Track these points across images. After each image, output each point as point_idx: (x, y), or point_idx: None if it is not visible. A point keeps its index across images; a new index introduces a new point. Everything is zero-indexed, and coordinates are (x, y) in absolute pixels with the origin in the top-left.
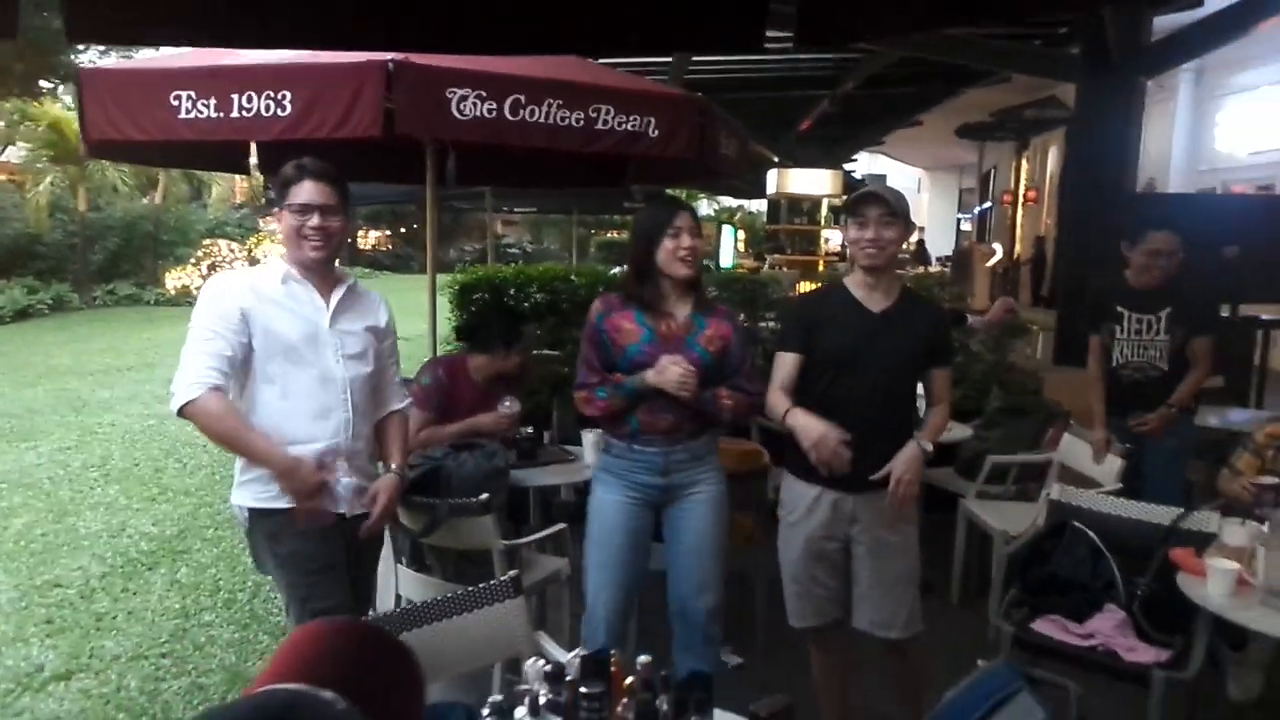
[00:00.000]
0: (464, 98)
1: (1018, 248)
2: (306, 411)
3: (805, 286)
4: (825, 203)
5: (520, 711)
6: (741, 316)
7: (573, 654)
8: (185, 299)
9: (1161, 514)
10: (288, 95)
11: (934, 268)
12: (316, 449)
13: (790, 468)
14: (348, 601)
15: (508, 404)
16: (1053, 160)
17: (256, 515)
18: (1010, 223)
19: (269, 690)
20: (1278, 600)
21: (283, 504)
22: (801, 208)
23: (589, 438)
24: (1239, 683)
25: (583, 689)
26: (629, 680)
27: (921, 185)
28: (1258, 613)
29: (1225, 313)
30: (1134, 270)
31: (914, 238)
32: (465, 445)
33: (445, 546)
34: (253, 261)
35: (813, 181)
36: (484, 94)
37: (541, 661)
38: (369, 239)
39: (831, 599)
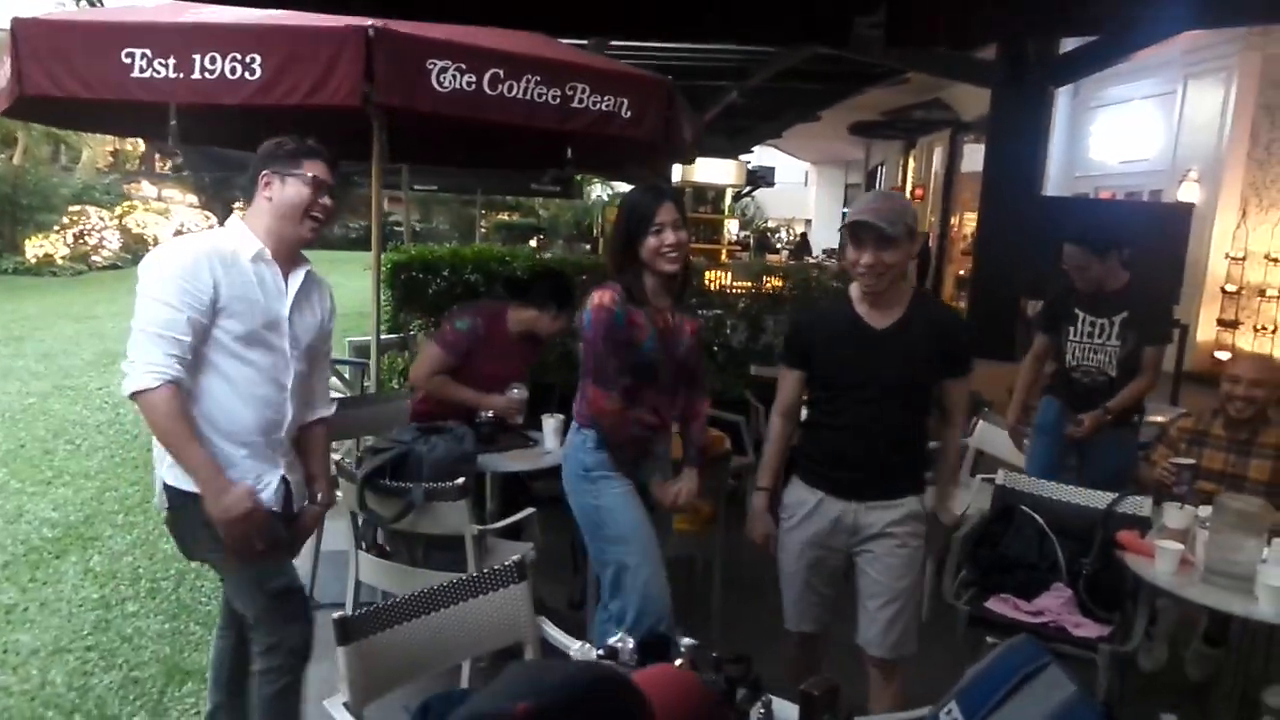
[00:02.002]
0: (444, 69)
1: None
2: (254, 405)
3: (710, 275)
4: (729, 192)
5: None
6: None
7: (616, 637)
8: (48, 268)
9: (1099, 498)
10: (257, 58)
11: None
12: (259, 443)
13: (796, 471)
14: (298, 579)
15: (516, 390)
16: (937, 160)
17: (194, 498)
18: None
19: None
20: (1216, 577)
21: None
22: (706, 196)
23: (550, 423)
24: (1149, 654)
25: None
26: (679, 662)
27: (809, 179)
28: (1200, 589)
29: None
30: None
31: (799, 230)
32: (433, 429)
33: (414, 532)
34: (125, 231)
35: (717, 171)
36: (464, 66)
37: (585, 645)
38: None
39: (826, 606)
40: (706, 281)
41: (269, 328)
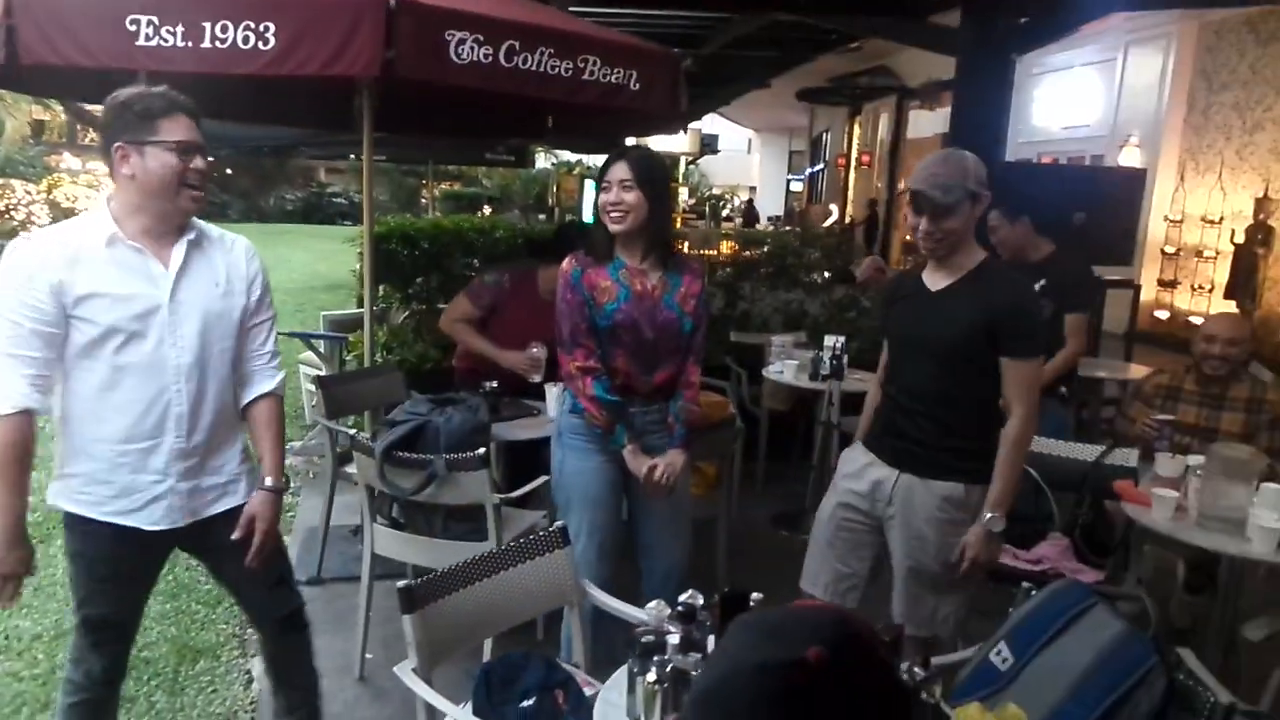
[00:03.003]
0: (462, 41)
1: (849, 209)
2: (128, 405)
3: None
4: (682, 160)
5: (673, 642)
6: None
7: (688, 594)
8: None
9: (1088, 452)
10: (270, 27)
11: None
12: (139, 448)
13: (861, 435)
14: (124, 613)
15: (535, 349)
16: (883, 127)
17: (67, 515)
18: (843, 185)
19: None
20: (1209, 521)
21: (96, 514)
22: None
23: (554, 391)
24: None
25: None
26: None
27: (752, 146)
28: (1195, 533)
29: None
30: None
31: (744, 197)
32: (446, 400)
33: (433, 503)
34: (54, 206)
35: (672, 139)
36: (481, 38)
37: (660, 603)
38: None
39: (849, 580)
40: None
41: (140, 318)
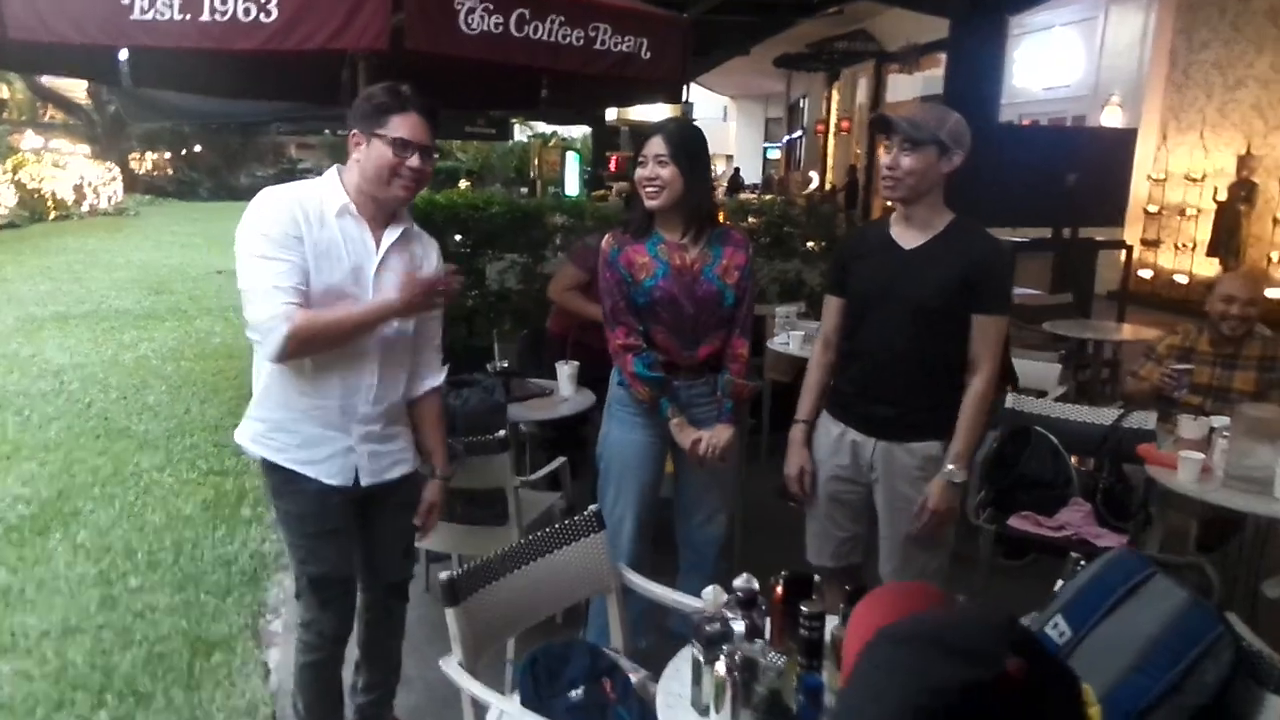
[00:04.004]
0: (472, 10)
1: (829, 176)
2: (331, 367)
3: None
4: None
5: (739, 629)
6: None
7: (743, 579)
8: None
9: (1105, 415)
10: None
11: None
12: (330, 408)
13: (827, 407)
14: (344, 569)
15: None
16: (862, 91)
17: (264, 466)
18: (822, 152)
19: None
20: (1236, 482)
21: (279, 459)
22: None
23: (565, 370)
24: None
25: (804, 608)
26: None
27: (728, 114)
28: (1224, 494)
29: (1067, 235)
30: None
31: (723, 167)
32: (460, 381)
33: (452, 488)
34: (19, 186)
35: (654, 108)
36: (491, 6)
37: (716, 588)
38: (144, 162)
39: (851, 542)
40: None
41: (352, 286)
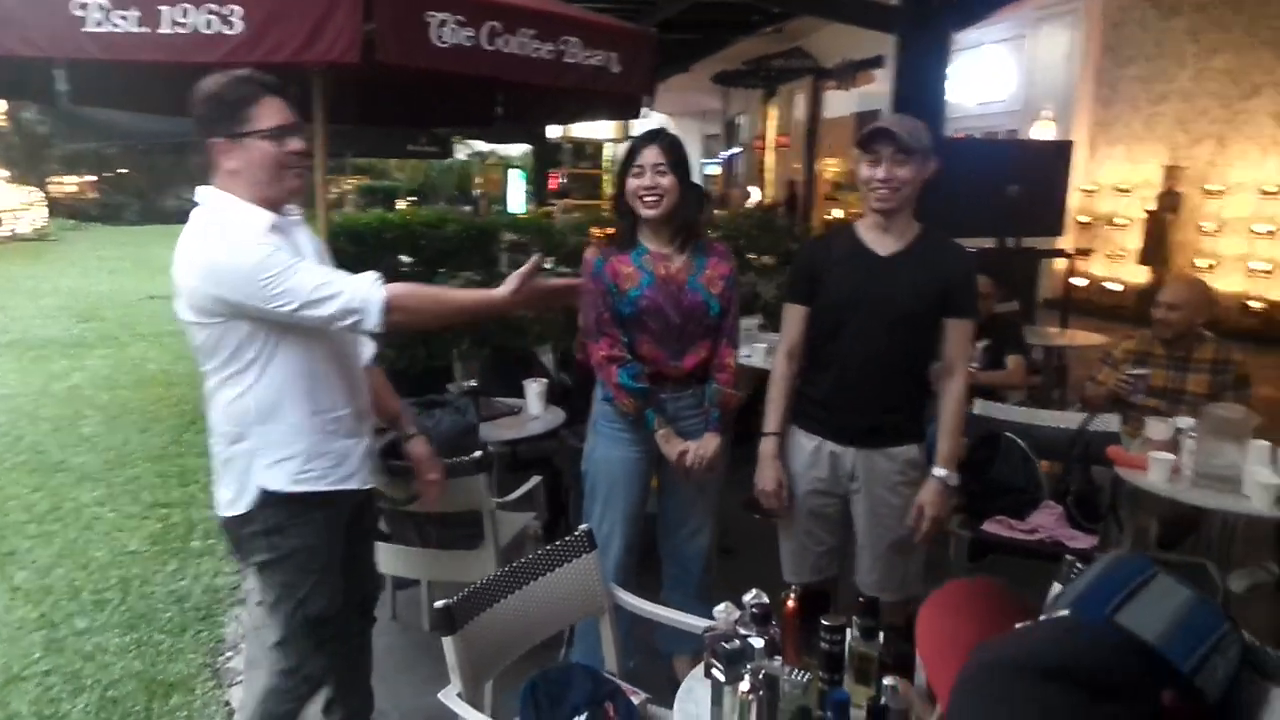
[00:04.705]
0: (443, 23)
1: (768, 191)
2: (330, 377)
3: (596, 232)
4: (606, 147)
5: (758, 645)
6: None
7: (752, 595)
8: None
9: (1071, 419)
10: (236, 10)
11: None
12: (349, 415)
13: (796, 419)
14: (340, 603)
15: None
16: (799, 108)
17: (276, 500)
18: (759, 168)
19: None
20: (1205, 480)
21: (322, 486)
22: (585, 151)
23: (533, 388)
24: None
25: (825, 621)
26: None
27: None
28: (1194, 493)
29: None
30: None
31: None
32: (430, 402)
33: (423, 511)
34: None
35: (597, 125)
36: (463, 19)
37: (728, 605)
38: (64, 185)
39: (828, 555)
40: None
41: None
